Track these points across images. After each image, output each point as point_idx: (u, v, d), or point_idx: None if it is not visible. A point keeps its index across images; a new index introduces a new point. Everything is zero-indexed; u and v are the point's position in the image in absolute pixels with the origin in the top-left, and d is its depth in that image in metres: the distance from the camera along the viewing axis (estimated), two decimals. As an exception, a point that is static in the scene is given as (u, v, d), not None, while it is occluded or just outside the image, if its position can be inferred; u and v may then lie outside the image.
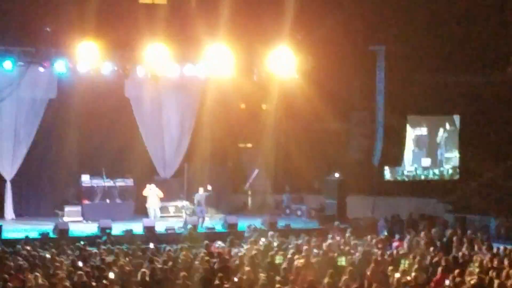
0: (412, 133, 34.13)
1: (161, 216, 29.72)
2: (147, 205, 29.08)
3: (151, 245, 22.02)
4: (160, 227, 27.20)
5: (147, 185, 29.27)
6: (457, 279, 16.74)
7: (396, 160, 33.99)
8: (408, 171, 33.99)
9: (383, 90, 33.06)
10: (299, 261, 18.99)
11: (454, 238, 22.51)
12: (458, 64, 32.85)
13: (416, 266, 18.21)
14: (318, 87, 30.28)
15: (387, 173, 33.77)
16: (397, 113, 33.42)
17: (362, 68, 32.82)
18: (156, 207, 29.09)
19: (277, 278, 17.11)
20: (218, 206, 31.28)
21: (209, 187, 29.82)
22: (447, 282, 16.86)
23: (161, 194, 29.20)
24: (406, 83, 32.96)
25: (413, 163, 34.12)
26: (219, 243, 23.32)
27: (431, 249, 21.08)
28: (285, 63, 29.92)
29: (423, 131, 34.28)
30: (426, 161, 34.30)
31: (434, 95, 33.40)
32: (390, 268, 18.28)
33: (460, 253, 20.43)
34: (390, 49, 32.60)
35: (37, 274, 16.91)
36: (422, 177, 34.12)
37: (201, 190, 29.13)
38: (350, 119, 34.27)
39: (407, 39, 31.93)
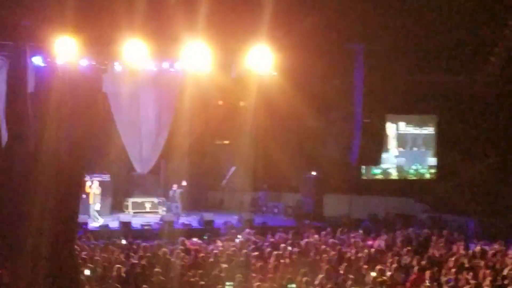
0: (391, 131, 34.21)
1: (135, 212, 29.67)
2: (89, 202, 28.30)
3: (127, 241, 21.92)
4: (136, 223, 27.12)
5: (88, 182, 28.42)
6: (433, 279, 16.79)
7: (374, 159, 34.07)
8: (385, 170, 34.08)
9: (362, 89, 33.14)
10: (275, 259, 18.99)
11: (431, 238, 22.58)
12: (437, 64, 32.95)
13: (392, 265, 18.24)
14: (297, 85, 30.27)
15: (364, 172, 33.84)
16: (375, 112, 33.52)
17: (340, 66, 32.83)
18: (94, 203, 28.38)
19: (254, 275, 17.09)
20: (195, 202, 31.22)
21: (184, 183, 29.68)
22: (427, 282, 16.89)
23: (97, 191, 28.50)
24: (385, 82, 33.04)
25: (389, 162, 34.22)
26: (195, 239, 23.26)
27: (407, 248, 21.12)
28: (264, 61, 29.92)
29: (401, 129, 34.38)
30: (403, 160, 34.42)
31: (413, 94, 33.48)
32: (366, 267, 18.32)
33: (436, 253, 20.50)
34: (369, 47, 32.67)
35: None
36: (400, 177, 34.21)
37: (175, 186, 29.05)
38: (328, 117, 34.28)
39: (386, 38, 31.97)
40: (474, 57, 32.81)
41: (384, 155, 34.03)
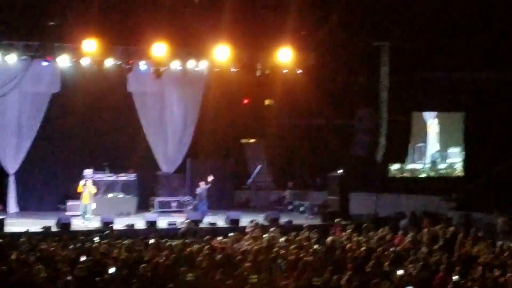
0: (420, 128, 34.09)
1: (161, 211, 29.75)
2: (81, 201, 27.68)
3: (153, 240, 21.94)
4: (162, 222, 27.16)
5: (81, 181, 27.82)
6: (461, 277, 16.66)
7: (399, 156, 33.93)
8: (412, 168, 33.94)
9: (387, 86, 33.01)
10: (301, 257, 18.94)
11: (458, 236, 22.41)
12: (463, 61, 32.74)
13: (418, 263, 18.12)
14: (322, 83, 30.25)
15: (392, 170, 33.73)
16: (401, 110, 33.37)
17: (366, 64, 32.75)
18: (88, 203, 27.61)
19: (280, 274, 17.05)
20: (221, 201, 31.23)
21: (210, 178, 29.44)
22: (454, 277, 16.76)
23: (94, 191, 27.85)
24: (410, 79, 32.89)
25: (416, 160, 34.08)
26: (220, 238, 23.25)
27: (434, 246, 20.98)
28: (289, 59, 29.92)
29: (429, 127, 34.25)
30: (430, 158, 34.27)
31: (439, 92, 33.34)
32: (392, 265, 18.22)
33: (464, 251, 20.34)
34: (394, 45, 32.52)
35: (40, 267, 16.88)
36: (426, 174, 34.05)
37: (202, 184, 29.03)
38: (354, 115, 34.16)
39: (411, 35, 31.83)
40: (501, 54, 32.57)
41: (409, 153, 33.91)
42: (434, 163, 34.33)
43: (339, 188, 30.42)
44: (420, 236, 22.86)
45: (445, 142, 34.55)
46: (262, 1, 30.74)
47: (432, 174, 34.20)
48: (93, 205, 27.57)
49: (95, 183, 28.39)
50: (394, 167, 33.91)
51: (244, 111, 33.51)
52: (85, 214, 27.23)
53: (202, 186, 28.96)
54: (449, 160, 34.45)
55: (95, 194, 28.10)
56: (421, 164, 34.19)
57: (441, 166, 34.33)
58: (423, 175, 34.03)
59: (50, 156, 30.42)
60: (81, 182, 27.73)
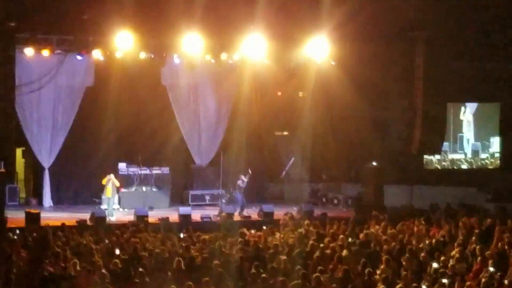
0: (456, 120, 33.85)
1: (195, 204, 29.82)
2: (104, 195, 28.18)
3: (187, 233, 21.97)
4: (195, 216, 27.20)
5: (107, 175, 28.02)
6: (497, 270, 16.49)
7: (435, 148, 33.68)
8: (452, 158, 33.69)
9: (422, 77, 32.75)
10: (335, 250, 18.87)
11: (494, 228, 22.16)
12: (499, 51, 32.39)
13: (455, 255, 17.96)
14: (355, 74, 30.04)
15: (428, 161, 33.51)
16: (436, 101, 33.09)
17: (401, 55, 32.49)
18: (112, 196, 28.07)
19: (314, 266, 16.99)
20: (254, 194, 31.21)
21: (250, 170, 29.54)
22: (491, 269, 16.60)
23: (117, 184, 28.25)
24: (446, 69, 32.60)
25: (452, 152, 33.82)
26: (254, 231, 23.23)
27: (470, 238, 20.77)
28: (322, 50, 29.80)
29: (465, 118, 33.99)
30: (471, 148, 34.02)
31: (475, 82, 33.02)
32: (428, 257, 18.08)
33: (501, 243, 20.11)
34: (430, 35, 32.24)
35: (75, 261, 16.99)
36: (468, 165, 33.78)
37: (243, 176, 29.06)
38: (388, 107, 33.93)
39: (447, 25, 31.54)
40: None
41: (446, 144, 33.70)
42: (476, 152, 34.00)
43: (373, 181, 30.27)
44: (455, 228, 22.66)
45: (482, 133, 34.22)
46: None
47: (473, 164, 33.87)
48: (116, 198, 28.22)
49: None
50: (436, 157, 33.66)
51: (278, 103, 33.40)
52: (107, 209, 27.40)
53: (244, 179, 29.00)
54: (491, 150, 34.11)
55: (119, 187, 28.42)
56: (462, 154, 33.88)
57: (483, 156, 34.02)
58: (464, 166, 33.73)
59: (84, 150, 30.52)
60: (106, 176, 27.95)
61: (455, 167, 33.70)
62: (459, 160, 33.88)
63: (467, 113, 34.06)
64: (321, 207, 30.47)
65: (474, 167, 33.83)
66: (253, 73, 30.98)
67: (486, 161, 34.00)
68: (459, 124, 34.05)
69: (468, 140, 34.04)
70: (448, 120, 33.87)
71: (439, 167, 33.72)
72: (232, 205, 28.56)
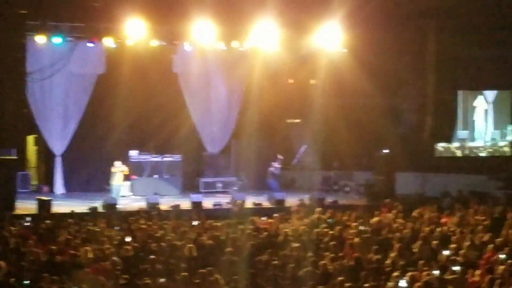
0: (467, 107, 33.71)
1: (206, 192, 29.85)
2: (111, 182, 28.19)
3: (198, 221, 22.01)
4: (207, 203, 27.23)
5: (115, 162, 28.24)
6: (508, 257, 16.45)
7: (446, 135, 33.59)
8: (466, 147, 33.57)
9: (433, 65, 32.63)
10: (347, 238, 18.86)
11: (506, 215, 22.12)
12: (510, 38, 32.22)
13: (466, 243, 17.93)
14: (367, 62, 29.95)
15: (439, 148, 33.43)
16: (447, 88, 32.98)
17: (412, 42, 32.38)
18: (120, 184, 28.34)
19: (325, 254, 16.99)
20: (266, 181, 31.23)
21: (280, 156, 29.82)
22: (501, 256, 16.56)
23: (126, 172, 28.40)
24: (457, 57, 32.47)
25: (464, 139, 33.71)
26: (265, 218, 23.24)
27: (481, 226, 20.73)
28: (334, 38, 29.74)
29: (477, 105, 33.85)
30: (477, 136, 33.89)
31: (486, 70, 32.88)
32: (439, 245, 18.05)
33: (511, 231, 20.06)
34: (441, 22, 32.10)
35: (87, 248, 17.03)
36: (473, 154, 33.67)
37: (275, 164, 29.24)
38: (400, 94, 33.85)
39: (459, 12, 31.38)
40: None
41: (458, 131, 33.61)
42: (494, 140, 33.86)
43: (385, 168, 30.22)
44: (467, 216, 22.62)
45: (500, 121, 34.05)
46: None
47: (493, 152, 33.72)
48: (125, 185, 28.52)
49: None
50: (453, 144, 33.57)
51: (289, 91, 33.35)
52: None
53: (276, 165, 29.15)
54: (508, 138, 33.97)
55: (127, 175, 28.50)
56: (481, 142, 33.74)
57: (501, 143, 33.90)
58: (469, 154, 33.62)
59: (95, 137, 30.58)
60: (115, 164, 28.13)
61: (472, 155, 33.55)
62: (476, 148, 33.73)
63: (482, 101, 33.88)
64: (333, 195, 30.45)
65: (496, 155, 33.62)
66: (264, 60, 30.93)
67: (505, 148, 33.81)
68: (473, 112, 33.89)
69: (485, 127, 33.85)
70: (465, 108, 33.72)
71: (451, 155, 33.60)
72: (244, 192, 28.60)
